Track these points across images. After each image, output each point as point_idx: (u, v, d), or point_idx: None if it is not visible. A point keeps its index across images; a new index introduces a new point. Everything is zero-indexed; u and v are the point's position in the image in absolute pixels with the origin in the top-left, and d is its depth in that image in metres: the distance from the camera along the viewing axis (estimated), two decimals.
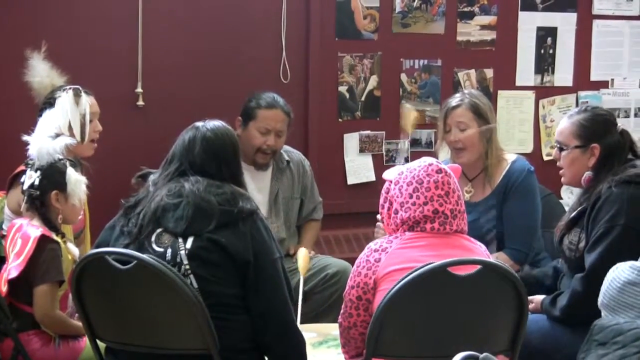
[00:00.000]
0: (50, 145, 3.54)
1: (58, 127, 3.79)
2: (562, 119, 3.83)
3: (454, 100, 4.36)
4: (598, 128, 3.66)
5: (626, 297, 2.74)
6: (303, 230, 4.95)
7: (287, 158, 4.81)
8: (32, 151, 3.55)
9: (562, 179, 3.80)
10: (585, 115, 3.70)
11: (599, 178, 3.61)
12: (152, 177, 3.15)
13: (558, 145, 3.75)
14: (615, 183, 3.51)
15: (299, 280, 4.22)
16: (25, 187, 3.52)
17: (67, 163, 3.56)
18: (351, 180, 5.41)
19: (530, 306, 3.56)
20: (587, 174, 3.65)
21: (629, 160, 3.63)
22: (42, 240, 3.41)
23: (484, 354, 2.32)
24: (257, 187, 4.69)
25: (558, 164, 3.77)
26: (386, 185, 3.16)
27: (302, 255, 4.26)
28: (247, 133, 4.64)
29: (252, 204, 3.07)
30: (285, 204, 4.80)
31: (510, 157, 4.38)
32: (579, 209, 3.63)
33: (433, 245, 2.99)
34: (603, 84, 5.89)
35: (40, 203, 3.50)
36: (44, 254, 3.40)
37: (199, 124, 3.20)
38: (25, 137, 3.61)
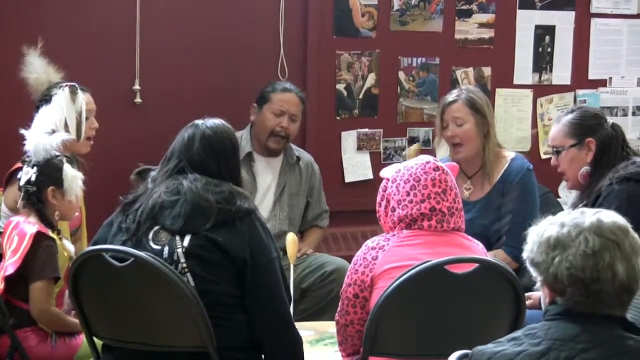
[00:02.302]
0: (46, 141, 3.54)
1: (54, 124, 3.78)
2: (552, 126, 3.84)
3: (451, 96, 4.37)
4: (589, 123, 3.69)
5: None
6: (306, 234, 4.97)
7: (297, 154, 4.84)
8: (29, 147, 3.56)
9: (567, 185, 3.81)
10: (573, 115, 3.73)
11: (598, 174, 3.62)
12: (151, 174, 3.15)
13: (554, 150, 3.75)
14: (616, 180, 3.52)
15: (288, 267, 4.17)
16: (22, 183, 3.53)
17: (64, 159, 3.56)
18: (349, 178, 5.41)
19: (529, 302, 3.56)
20: (585, 169, 3.66)
21: (627, 156, 3.64)
22: (38, 236, 3.41)
23: None
24: (265, 178, 4.73)
25: (559, 170, 3.77)
26: (383, 183, 3.16)
27: (290, 241, 4.22)
28: (261, 116, 4.72)
29: (250, 203, 3.07)
30: (290, 199, 4.82)
31: (509, 154, 4.39)
32: (580, 205, 3.63)
33: (430, 243, 2.98)
34: (601, 83, 5.89)
35: (36, 199, 3.50)
36: (40, 250, 3.40)
37: (199, 121, 3.19)
38: (22, 131, 3.61)
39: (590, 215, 2.22)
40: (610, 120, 3.76)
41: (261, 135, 4.69)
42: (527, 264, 2.28)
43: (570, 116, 3.73)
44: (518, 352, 2.16)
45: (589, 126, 3.68)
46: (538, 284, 2.30)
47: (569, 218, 2.23)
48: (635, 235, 2.22)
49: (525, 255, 2.29)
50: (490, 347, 2.22)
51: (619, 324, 2.19)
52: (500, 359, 2.17)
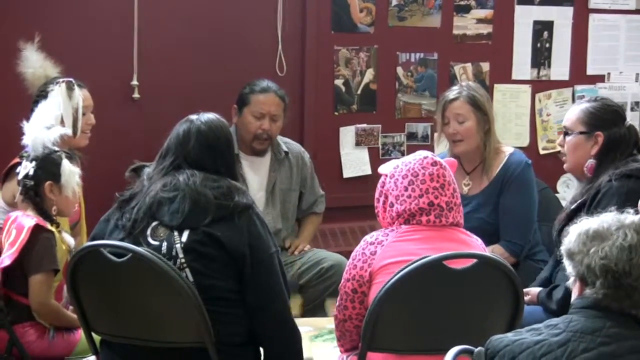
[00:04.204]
0: (44, 135, 3.55)
1: (51, 120, 3.78)
2: (572, 106, 3.85)
3: (452, 92, 4.36)
4: (605, 117, 3.68)
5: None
6: (303, 224, 4.96)
7: (285, 149, 4.80)
8: (27, 141, 3.56)
9: (564, 165, 3.82)
10: (594, 104, 3.72)
11: (601, 169, 3.61)
12: (147, 171, 3.14)
13: (564, 131, 3.77)
14: (615, 176, 3.51)
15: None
16: (20, 177, 3.53)
17: (63, 155, 3.56)
18: (347, 173, 5.41)
19: (526, 298, 3.56)
20: (590, 161, 3.67)
21: (633, 155, 3.64)
22: (36, 229, 3.41)
23: (479, 347, 2.32)
24: (254, 177, 4.70)
25: (562, 150, 3.78)
26: (382, 179, 3.15)
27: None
28: (243, 119, 4.66)
29: (247, 198, 3.07)
30: (282, 195, 4.79)
31: (507, 149, 4.39)
32: (579, 200, 3.63)
33: (429, 239, 2.98)
34: (599, 78, 5.89)
35: (34, 193, 3.50)
36: (38, 243, 3.41)
37: (193, 116, 3.18)
38: (24, 123, 3.61)
39: (633, 215, 2.25)
40: (630, 121, 3.74)
41: (245, 138, 4.64)
42: (564, 258, 2.30)
43: (590, 104, 3.73)
44: (537, 342, 2.18)
45: (604, 120, 3.67)
46: (570, 281, 2.31)
47: (612, 215, 2.26)
48: None
49: (562, 248, 2.30)
50: (509, 335, 2.24)
51: None
52: (518, 347, 2.19)
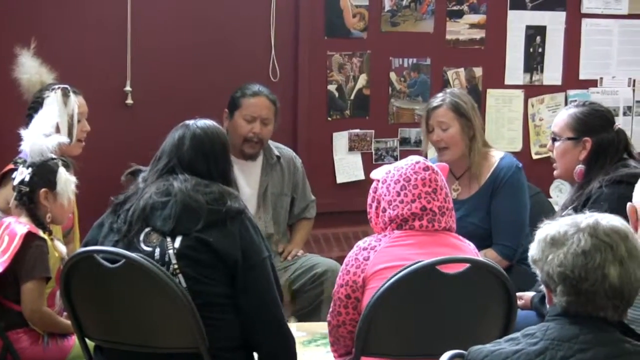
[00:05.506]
0: (42, 143, 3.55)
1: (50, 128, 3.78)
2: (560, 111, 3.85)
3: (436, 100, 4.38)
4: (593, 122, 3.67)
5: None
6: (294, 229, 4.95)
7: (277, 153, 4.81)
8: (25, 147, 3.56)
9: (554, 172, 3.82)
10: (582, 109, 3.72)
11: (591, 175, 3.61)
12: (142, 174, 3.15)
13: (552, 137, 3.77)
14: (606, 183, 3.51)
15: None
16: (15, 182, 3.53)
17: (59, 163, 3.56)
18: (340, 179, 5.41)
19: (520, 302, 3.56)
20: (579, 167, 3.67)
21: (623, 159, 3.64)
22: (29, 237, 3.41)
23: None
24: (246, 181, 4.70)
25: (551, 156, 3.79)
26: (374, 184, 3.16)
27: None
28: (234, 123, 4.66)
29: (240, 203, 3.07)
30: (274, 199, 4.80)
31: (498, 154, 4.40)
32: (570, 207, 3.63)
33: (422, 244, 2.99)
34: (592, 83, 5.90)
35: (28, 199, 3.50)
36: (30, 250, 3.40)
37: (190, 122, 3.20)
38: (22, 130, 3.61)
39: (589, 217, 2.23)
40: (619, 124, 3.74)
41: (235, 142, 4.60)
42: (530, 263, 2.30)
43: (578, 109, 3.72)
44: (515, 351, 2.18)
45: (592, 125, 3.67)
46: (543, 286, 2.32)
47: (571, 218, 2.25)
48: (638, 241, 2.22)
49: (529, 254, 2.31)
50: (487, 346, 2.24)
51: (617, 328, 2.20)
52: (496, 358, 2.19)
